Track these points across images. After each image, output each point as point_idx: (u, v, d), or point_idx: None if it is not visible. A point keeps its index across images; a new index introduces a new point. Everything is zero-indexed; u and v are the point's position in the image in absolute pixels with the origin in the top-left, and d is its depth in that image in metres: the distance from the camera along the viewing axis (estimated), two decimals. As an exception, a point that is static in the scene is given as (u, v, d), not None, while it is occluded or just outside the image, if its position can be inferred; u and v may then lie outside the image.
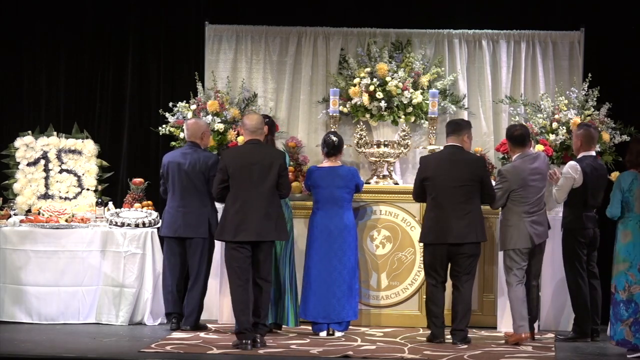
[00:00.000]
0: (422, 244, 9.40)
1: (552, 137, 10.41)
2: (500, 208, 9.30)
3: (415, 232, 10.02)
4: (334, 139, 9.66)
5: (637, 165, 8.90)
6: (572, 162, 9.44)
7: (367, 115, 10.81)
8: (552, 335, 9.76)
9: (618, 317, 8.68)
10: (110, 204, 10.58)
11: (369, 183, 10.41)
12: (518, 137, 9.31)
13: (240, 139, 10.57)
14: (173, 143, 10.77)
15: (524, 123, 10.61)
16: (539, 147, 10.33)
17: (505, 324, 9.78)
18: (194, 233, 9.60)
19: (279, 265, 9.48)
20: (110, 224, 10.14)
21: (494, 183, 9.72)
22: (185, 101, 10.91)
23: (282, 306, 9.50)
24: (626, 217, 8.82)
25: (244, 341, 8.60)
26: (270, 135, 9.54)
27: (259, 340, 8.71)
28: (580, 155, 9.48)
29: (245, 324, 8.61)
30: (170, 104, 10.96)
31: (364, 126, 10.81)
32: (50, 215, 10.26)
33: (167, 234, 9.68)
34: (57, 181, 10.77)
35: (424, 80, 10.81)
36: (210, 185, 9.33)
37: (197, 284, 9.65)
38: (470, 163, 9.20)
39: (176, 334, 9.36)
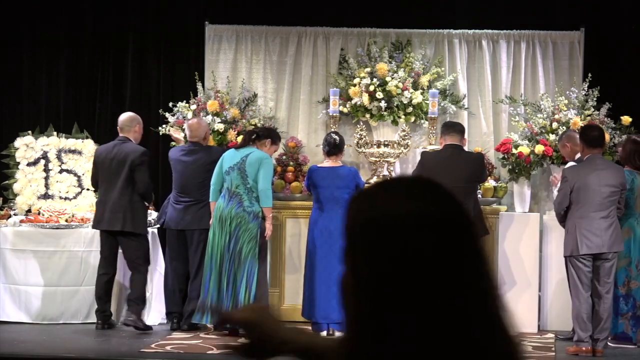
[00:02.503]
0: None
1: (552, 137, 10.40)
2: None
3: (415, 232, 10.00)
4: (336, 137, 9.66)
5: (631, 165, 9.02)
6: None
7: (367, 115, 10.80)
8: (552, 335, 9.75)
9: (618, 312, 8.88)
10: (110, 204, 10.58)
11: (369, 183, 10.39)
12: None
13: (240, 139, 10.59)
14: (173, 143, 10.76)
15: (524, 123, 10.60)
16: (539, 148, 10.33)
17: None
18: (197, 225, 9.62)
19: (233, 261, 9.24)
20: (110, 224, 10.14)
21: (493, 183, 9.72)
22: (185, 101, 10.90)
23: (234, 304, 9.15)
24: (625, 214, 8.95)
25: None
26: (275, 145, 9.64)
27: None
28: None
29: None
30: (170, 104, 10.95)
31: (364, 126, 10.80)
32: (50, 215, 10.25)
33: (170, 226, 9.71)
34: (57, 181, 10.76)
35: (424, 80, 10.80)
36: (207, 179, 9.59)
37: (196, 283, 9.65)
38: (471, 162, 9.26)
39: (176, 334, 9.36)
